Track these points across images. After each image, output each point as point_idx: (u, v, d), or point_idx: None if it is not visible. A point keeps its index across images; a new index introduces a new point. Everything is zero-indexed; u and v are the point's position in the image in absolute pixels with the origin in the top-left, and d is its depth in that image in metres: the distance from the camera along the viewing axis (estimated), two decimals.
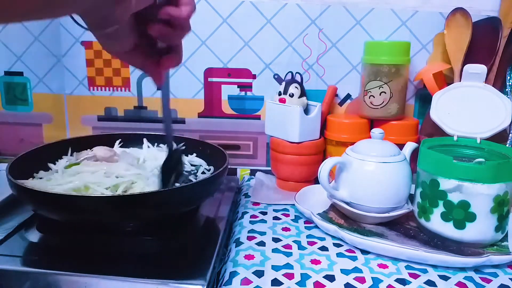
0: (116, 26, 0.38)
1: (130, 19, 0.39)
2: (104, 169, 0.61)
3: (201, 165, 0.72)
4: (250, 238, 0.57)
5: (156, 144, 0.76)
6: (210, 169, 0.71)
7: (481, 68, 0.63)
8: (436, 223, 0.55)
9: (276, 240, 0.57)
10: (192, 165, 0.72)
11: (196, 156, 0.74)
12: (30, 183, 0.59)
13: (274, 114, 0.75)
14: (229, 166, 0.63)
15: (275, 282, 0.47)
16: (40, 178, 0.63)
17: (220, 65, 0.82)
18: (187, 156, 0.74)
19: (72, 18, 0.42)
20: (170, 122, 0.56)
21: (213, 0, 0.79)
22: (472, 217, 0.52)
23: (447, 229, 0.54)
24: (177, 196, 0.54)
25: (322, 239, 0.58)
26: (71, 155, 0.69)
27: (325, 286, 0.47)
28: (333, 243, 0.57)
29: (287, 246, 0.55)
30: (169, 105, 0.54)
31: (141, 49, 0.43)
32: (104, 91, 0.85)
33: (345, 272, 0.50)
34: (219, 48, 0.81)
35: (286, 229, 0.61)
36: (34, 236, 0.56)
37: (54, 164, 0.66)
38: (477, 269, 0.51)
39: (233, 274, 0.49)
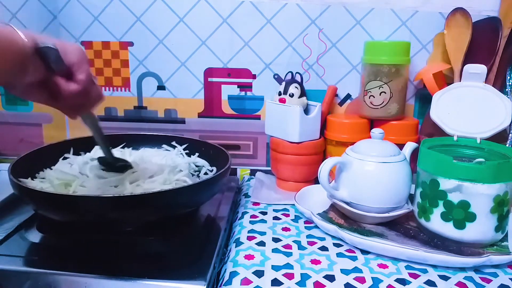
0: (19, 89, 0.46)
1: (35, 82, 0.45)
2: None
3: (203, 166, 0.72)
4: (250, 238, 0.57)
5: (157, 145, 0.76)
6: (212, 169, 0.71)
7: (481, 68, 0.63)
8: (436, 223, 0.55)
9: (276, 240, 0.57)
10: (195, 165, 0.73)
11: (198, 156, 0.74)
12: (32, 183, 0.60)
13: (274, 114, 0.75)
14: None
15: (275, 282, 0.47)
16: (43, 178, 0.63)
17: (220, 65, 0.82)
18: (190, 156, 0.74)
19: None
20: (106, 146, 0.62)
21: (213, 0, 0.79)
22: (472, 217, 0.52)
23: (447, 229, 0.54)
24: (179, 196, 0.54)
25: (322, 239, 0.58)
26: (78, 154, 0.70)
27: (325, 286, 0.47)
28: (333, 243, 0.57)
29: (287, 246, 0.55)
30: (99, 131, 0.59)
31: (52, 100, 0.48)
32: (104, 91, 0.85)
33: (345, 272, 0.50)
34: (219, 48, 0.81)
35: (286, 229, 0.61)
36: (34, 236, 0.56)
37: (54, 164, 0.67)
38: (477, 269, 0.51)
39: (233, 274, 0.49)
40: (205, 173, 0.70)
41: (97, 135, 0.59)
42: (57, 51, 0.45)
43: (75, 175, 0.62)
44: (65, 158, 0.69)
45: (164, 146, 0.76)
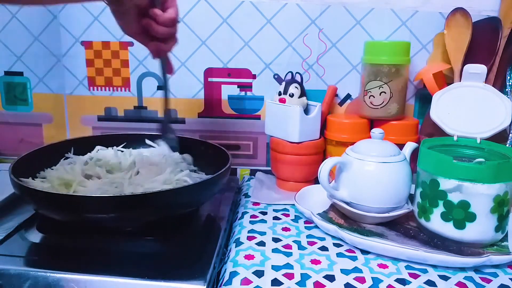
0: (123, 10, 0.55)
1: (134, 9, 0.55)
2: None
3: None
4: (250, 238, 0.57)
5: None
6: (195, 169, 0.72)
7: (481, 68, 0.63)
8: (436, 223, 0.55)
9: (276, 240, 0.57)
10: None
11: (198, 156, 0.74)
12: (33, 183, 0.60)
13: (274, 114, 0.75)
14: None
15: (275, 282, 0.47)
16: (43, 178, 0.63)
17: (220, 65, 0.82)
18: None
19: None
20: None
21: (213, 0, 0.79)
22: (472, 217, 0.52)
23: (447, 229, 0.54)
24: (179, 196, 0.54)
25: (322, 239, 0.58)
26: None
27: (325, 286, 0.47)
28: (333, 243, 0.57)
29: (287, 246, 0.55)
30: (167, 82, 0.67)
31: (143, 34, 0.59)
32: (104, 91, 0.85)
33: (345, 272, 0.50)
34: (219, 48, 0.81)
35: (286, 229, 0.61)
36: (34, 236, 0.56)
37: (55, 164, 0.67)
38: (477, 269, 0.51)
39: (233, 274, 0.49)
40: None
41: (164, 81, 0.66)
42: None
43: (76, 175, 0.62)
44: (66, 158, 0.69)
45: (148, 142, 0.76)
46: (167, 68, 0.64)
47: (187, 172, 0.67)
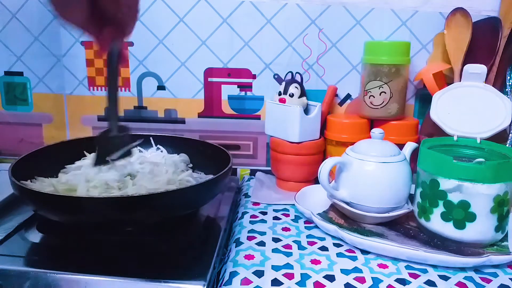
0: None
1: None
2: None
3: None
4: (250, 238, 0.57)
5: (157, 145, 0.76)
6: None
7: (481, 68, 0.63)
8: (436, 223, 0.55)
9: (276, 240, 0.57)
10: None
11: (198, 156, 0.74)
12: (33, 185, 0.59)
13: (274, 114, 0.75)
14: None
15: (275, 282, 0.47)
16: (44, 178, 0.63)
17: (220, 65, 0.82)
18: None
19: None
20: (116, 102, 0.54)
21: (213, 0, 0.79)
22: (472, 217, 0.52)
23: (447, 229, 0.54)
24: (183, 197, 0.54)
25: (322, 239, 0.58)
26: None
27: (325, 286, 0.47)
28: (333, 243, 0.57)
29: (287, 246, 0.55)
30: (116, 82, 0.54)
31: (93, 19, 0.45)
32: (104, 91, 0.85)
33: (345, 272, 0.50)
34: (219, 48, 0.81)
35: (286, 229, 0.61)
36: (34, 236, 0.56)
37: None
38: (477, 269, 0.51)
39: (233, 274, 0.49)
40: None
41: (111, 82, 0.54)
42: None
43: (79, 181, 0.61)
44: (69, 163, 0.68)
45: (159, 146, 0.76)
46: (120, 57, 0.52)
47: (189, 172, 0.67)
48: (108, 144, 0.56)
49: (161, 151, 0.74)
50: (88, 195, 0.56)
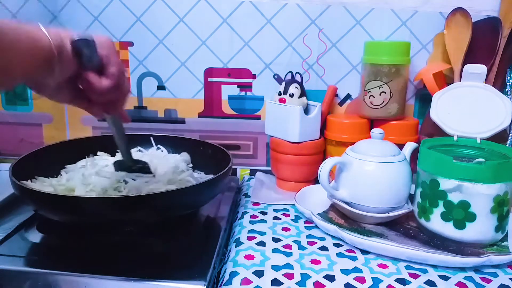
0: (49, 89, 0.43)
1: (62, 81, 0.43)
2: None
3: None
4: (250, 238, 0.57)
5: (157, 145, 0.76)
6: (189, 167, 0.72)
7: (481, 68, 0.63)
8: (436, 223, 0.55)
9: (276, 240, 0.57)
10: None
11: (198, 156, 0.74)
12: (34, 185, 0.59)
13: (274, 114, 0.75)
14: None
15: (275, 282, 0.47)
16: (45, 177, 0.63)
17: (220, 65, 0.82)
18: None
19: None
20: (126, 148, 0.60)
21: (213, 0, 0.79)
22: (472, 217, 0.52)
23: (447, 229, 0.54)
24: (180, 198, 0.54)
25: (322, 239, 0.58)
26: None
27: (325, 286, 0.47)
28: (333, 243, 0.57)
29: (287, 246, 0.55)
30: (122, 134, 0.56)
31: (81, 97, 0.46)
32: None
33: (345, 272, 0.50)
34: (219, 48, 0.81)
35: (286, 229, 0.61)
36: (34, 236, 0.56)
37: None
38: (477, 269, 0.51)
39: (233, 274, 0.49)
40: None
41: (119, 136, 0.56)
42: (94, 43, 0.41)
43: (77, 184, 0.61)
44: (64, 167, 0.69)
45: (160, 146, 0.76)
46: (121, 119, 0.54)
47: (190, 172, 0.67)
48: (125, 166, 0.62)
49: (162, 151, 0.74)
50: (88, 195, 0.56)
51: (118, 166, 0.63)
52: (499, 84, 0.72)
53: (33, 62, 0.39)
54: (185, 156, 0.73)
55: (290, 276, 0.48)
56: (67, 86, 0.44)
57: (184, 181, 0.64)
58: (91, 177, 0.60)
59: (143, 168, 0.63)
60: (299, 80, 0.75)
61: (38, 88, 0.44)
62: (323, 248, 0.55)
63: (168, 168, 0.66)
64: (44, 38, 0.39)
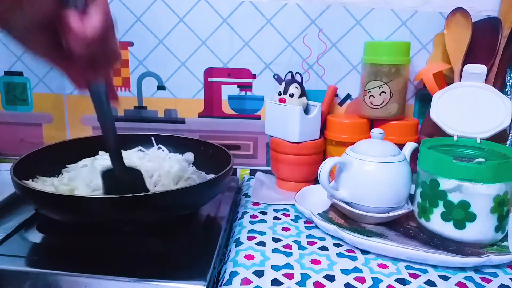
0: (19, 29, 0.35)
1: (36, 22, 0.35)
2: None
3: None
4: (250, 238, 0.57)
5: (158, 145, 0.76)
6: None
7: (481, 68, 0.63)
8: (436, 223, 0.55)
9: (276, 240, 0.57)
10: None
11: (198, 156, 0.73)
12: (36, 184, 0.59)
13: (274, 114, 0.75)
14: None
15: (275, 282, 0.47)
16: (45, 177, 0.63)
17: (220, 65, 0.82)
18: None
19: None
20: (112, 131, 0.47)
21: (213, 0, 0.79)
22: (472, 217, 0.52)
23: (447, 229, 0.54)
24: (180, 197, 0.54)
25: (322, 239, 0.58)
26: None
27: (325, 286, 0.47)
28: (333, 243, 0.57)
29: (287, 246, 0.55)
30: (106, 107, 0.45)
31: (59, 53, 0.38)
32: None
33: (345, 272, 0.50)
34: (219, 48, 0.81)
35: (286, 229, 0.61)
36: (34, 236, 0.56)
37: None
38: (477, 269, 0.51)
39: (233, 274, 0.49)
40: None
41: (104, 120, 0.46)
42: None
43: (79, 184, 0.61)
44: (69, 163, 0.69)
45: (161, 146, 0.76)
46: (109, 94, 0.45)
47: (193, 168, 0.67)
48: (114, 183, 0.52)
49: (163, 151, 0.74)
50: (89, 195, 0.56)
51: (105, 182, 0.53)
52: (499, 84, 0.72)
53: None
54: (188, 155, 0.73)
55: (290, 276, 0.48)
56: (42, 30, 0.35)
57: (188, 180, 0.64)
58: (93, 177, 0.60)
59: (133, 183, 0.53)
60: (299, 80, 0.75)
61: (7, 26, 0.35)
62: (323, 248, 0.55)
63: (169, 168, 0.65)
64: None
